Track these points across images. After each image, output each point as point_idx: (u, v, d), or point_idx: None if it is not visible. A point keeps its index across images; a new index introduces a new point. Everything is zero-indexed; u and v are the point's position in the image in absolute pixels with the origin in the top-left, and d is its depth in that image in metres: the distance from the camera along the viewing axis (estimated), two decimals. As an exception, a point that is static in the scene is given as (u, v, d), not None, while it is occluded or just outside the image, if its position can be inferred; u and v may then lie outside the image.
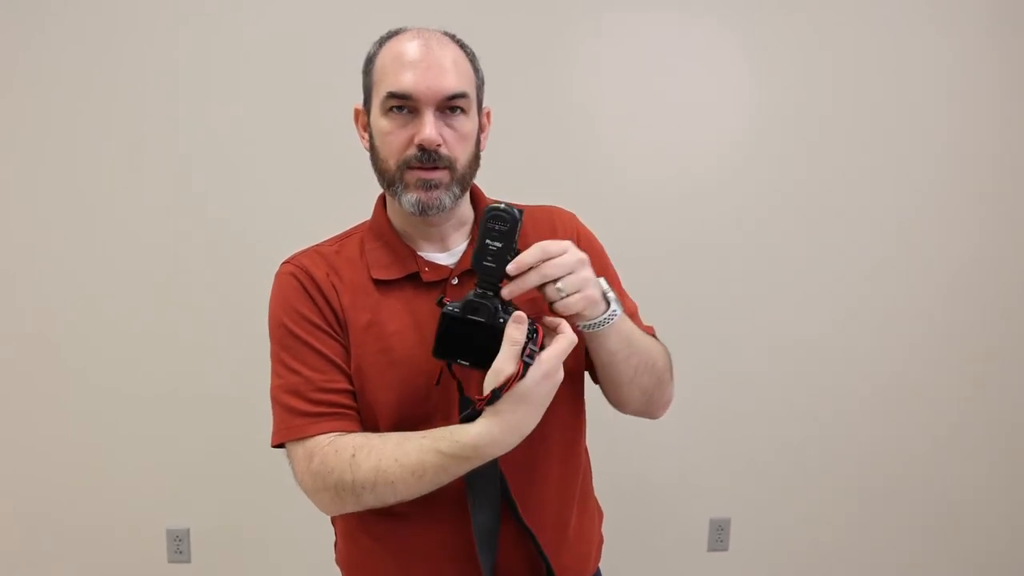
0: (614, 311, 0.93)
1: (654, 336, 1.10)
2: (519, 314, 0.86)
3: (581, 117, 2.25)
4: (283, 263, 1.06)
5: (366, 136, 1.04)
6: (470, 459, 0.88)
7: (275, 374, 1.02)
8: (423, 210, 0.98)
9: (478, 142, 1.03)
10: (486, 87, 1.06)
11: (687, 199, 2.31)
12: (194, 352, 2.26)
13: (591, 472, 1.19)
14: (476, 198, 1.10)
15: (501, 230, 0.87)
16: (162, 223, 2.21)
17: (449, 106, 0.97)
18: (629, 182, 2.28)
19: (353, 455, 0.93)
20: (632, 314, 1.08)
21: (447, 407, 0.99)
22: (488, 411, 0.86)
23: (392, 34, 1.01)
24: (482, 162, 1.05)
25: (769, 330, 2.37)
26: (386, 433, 0.96)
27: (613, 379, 1.02)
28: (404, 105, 0.96)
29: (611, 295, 0.94)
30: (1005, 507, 2.51)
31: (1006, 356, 2.45)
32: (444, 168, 0.97)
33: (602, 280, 0.94)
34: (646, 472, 2.38)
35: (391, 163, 0.98)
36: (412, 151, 0.96)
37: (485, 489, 0.98)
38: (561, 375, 0.88)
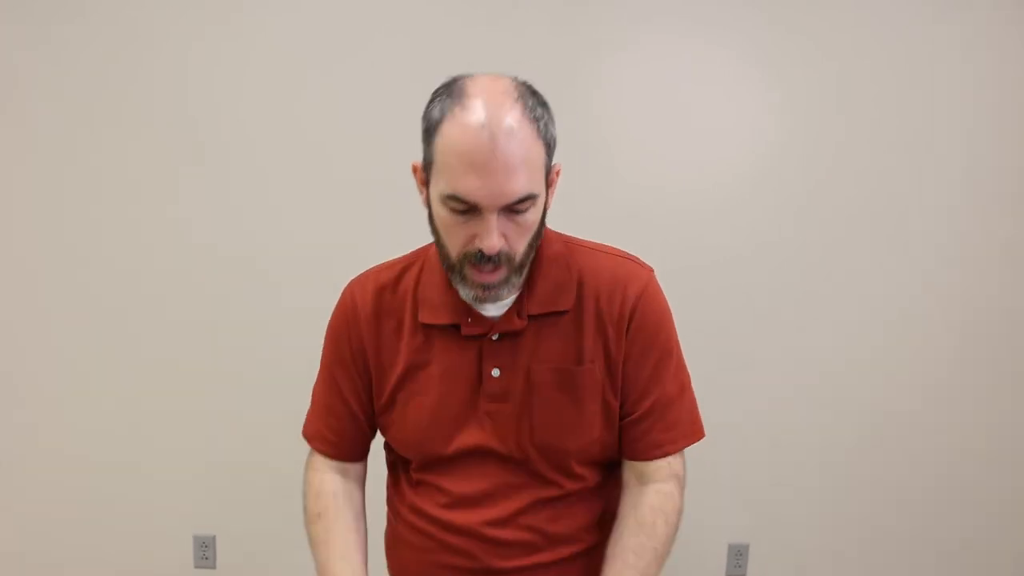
0: None
1: (679, 449, 1.07)
2: None
3: (601, 138, 2.29)
4: (349, 282, 1.13)
5: (424, 192, 0.99)
6: None
7: (317, 376, 1.16)
8: (480, 303, 0.99)
9: (544, 211, 0.99)
10: None
11: (707, 218, 2.33)
12: (222, 366, 2.32)
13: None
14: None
15: None
16: (193, 238, 2.29)
17: (515, 207, 0.91)
18: (648, 201, 2.30)
19: (319, 514, 1.11)
20: (672, 400, 1.05)
21: (466, 457, 1.04)
22: None
23: (456, 97, 0.90)
24: None
25: (789, 354, 2.38)
26: (335, 533, 1.09)
27: None
28: (466, 206, 0.90)
29: None
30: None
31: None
32: (502, 265, 0.94)
33: None
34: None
35: (452, 254, 0.95)
36: (473, 248, 0.92)
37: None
38: None
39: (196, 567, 2.39)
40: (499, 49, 2.23)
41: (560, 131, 0.98)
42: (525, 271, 0.99)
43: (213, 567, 2.39)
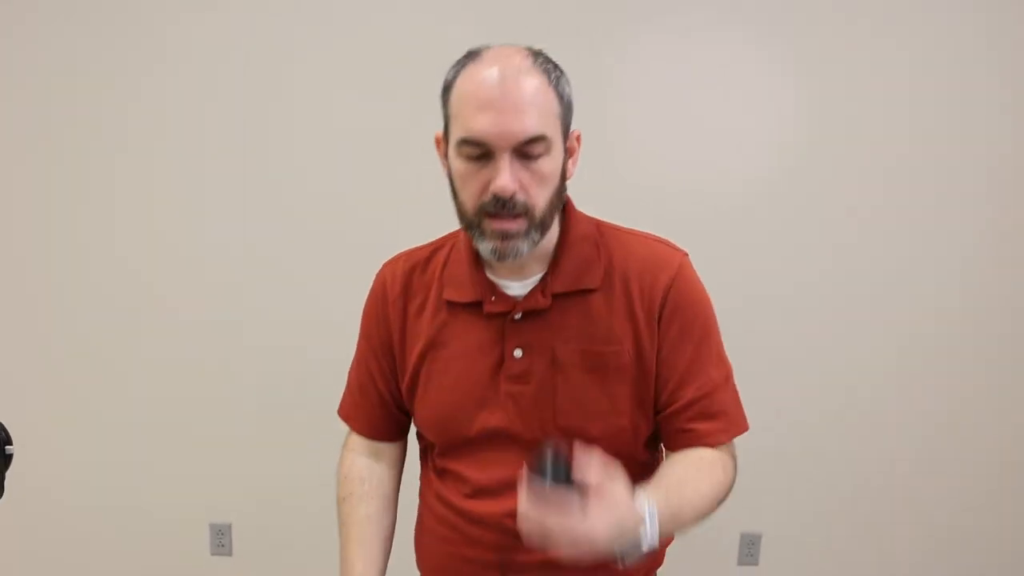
0: (624, 558, 0.85)
1: (724, 440, 1.03)
2: None
3: (605, 137, 2.26)
4: (383, 264, 1.14)
5: (446, 165, 0.99)
6: None
7: (354, 356, 1.18)
8: (500, 258, 0.95)
9: (563, 174, 0.97)
10: None
11: (723, 222, 2.32)
12: (237, 357, 2.34)
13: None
14: (566, 215, 1.04)
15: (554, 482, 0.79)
16: (208, 235, 2.30)
17: (527, 149, 0.90)
18: (649, 201, 2.27)
19: (344, 498, 1.14)
20: (716, 387, 1.02)
21: (488, 440, 1.04)
22: None
23: (470, 57, 0.94)
24: None
25: (804, 347, 2.37)
26: (356, 519, 1.12)
27: None
28: (479, 150, 0.90)
29: (642, 550, 0.84)
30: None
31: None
32: (521, 215, 0.92)
33: (639, 530, 0.84)
34: (677, 484, 2.38)
35: (468, 207, 0.94)
36: (488, 197, 0.91)
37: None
38: None
39: (212, 554, 2.42)
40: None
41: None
42: (547, 231, 0.97)
43: (229, 554, 2.42)
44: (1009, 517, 2.46)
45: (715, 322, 1.06)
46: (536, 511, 0.79)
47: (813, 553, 2.46)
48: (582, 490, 0.80)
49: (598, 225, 1.06)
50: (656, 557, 1.19)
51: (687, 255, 1.06)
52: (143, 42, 2.23)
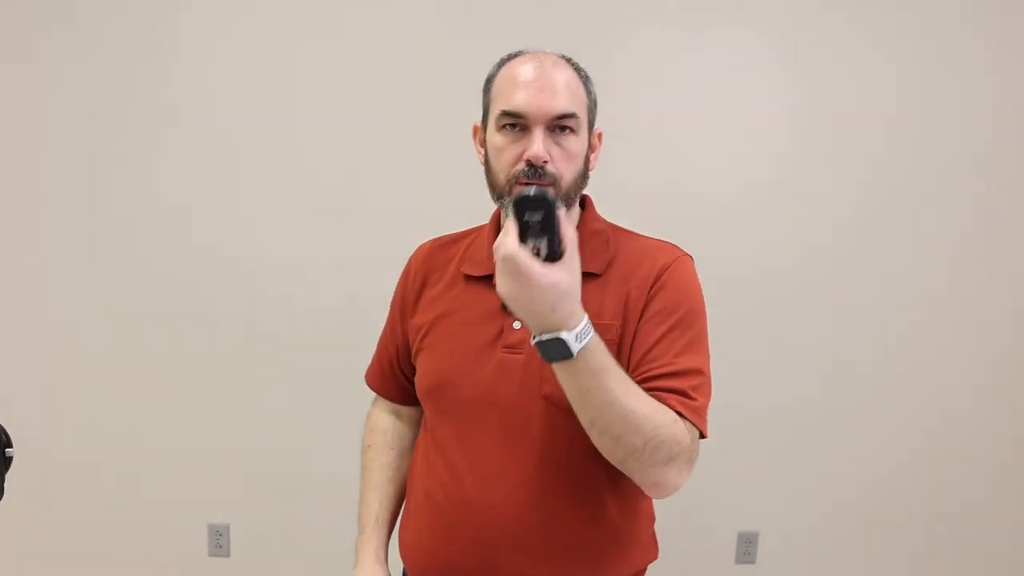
0: (540, 349, 0.88)
1: (681, 410, 0.98)
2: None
3: (612, 135, 2.27)
4: (418, 246, 1.27)
5: (482, 151, 1.11)
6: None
7: None
8: None
9: (587, 161, 1.08)
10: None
11: (725, 215, 2.33)
12: (236, 357, 2.33)
13: (635, 503, 1.14)
14: (585, 211, 1.15)
15: (537, 222, 0.85)
16: (207, 234, 2.30)
17: (559, 125, 1.02)
18: (660, 195, 2.30)
19: (369, 446, 1.29)
20: (685, 371, 1.01)
21: (477, 411, 1.08)
22: None
23: (511, 56, 1.08)
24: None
25: (804, 345, 2.38)
26: (375, 466, 1.26)
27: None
28: (516, 123, 1.02)
29: (563, 336, 0.86)
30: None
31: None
32: (549, 184, 1.01)
33: (578, 321, 0.87)
34: (675, 483, 2.38)
35: (501, 177, 1.04)
36: (521, 166, 1.02)
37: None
38: None
39: (210, 555, 2.41)
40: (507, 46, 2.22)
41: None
42: (571, 207, 1.06)
43: (227, 556, 2.42)
44: (1008, 516, 2.47)
45: (702, 322, 1.08)
46: (514, 240, 0.85)
47: (811, 552, 2.47)
48: (556, 245, 0.86)
49: (613, 228, 1.15)
50: (639, 571, 1.21)
51: (691, 258, 1.12)
52: (148, 41, 2.23)
